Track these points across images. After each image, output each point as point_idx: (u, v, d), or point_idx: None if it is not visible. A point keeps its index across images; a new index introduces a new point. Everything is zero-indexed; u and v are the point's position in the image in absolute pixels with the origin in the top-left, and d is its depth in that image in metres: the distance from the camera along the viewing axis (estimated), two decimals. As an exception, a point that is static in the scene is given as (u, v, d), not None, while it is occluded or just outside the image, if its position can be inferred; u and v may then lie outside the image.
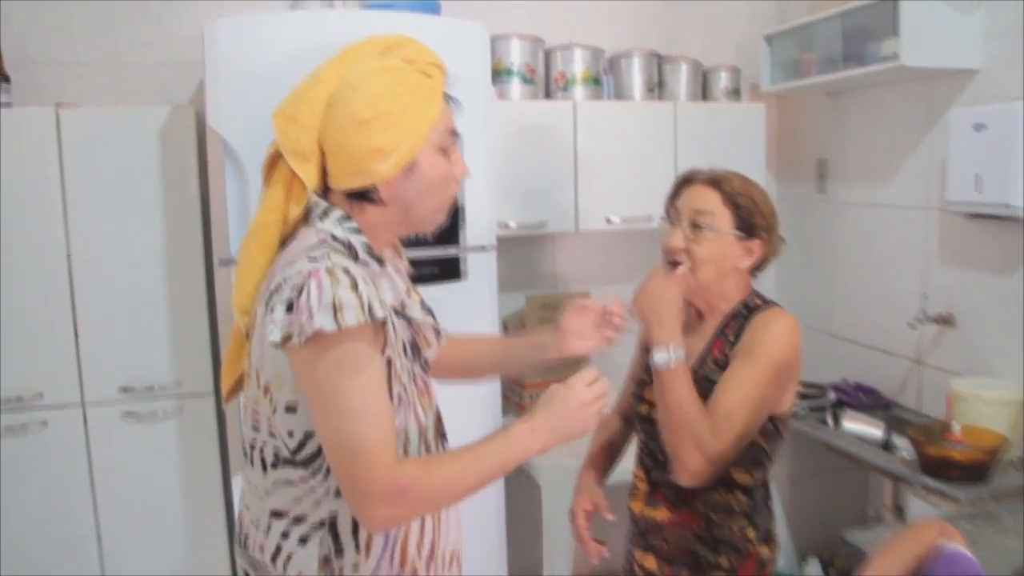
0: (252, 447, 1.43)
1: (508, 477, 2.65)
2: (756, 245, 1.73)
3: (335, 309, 1.21)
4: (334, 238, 1.36)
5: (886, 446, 2.67)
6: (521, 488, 2.90)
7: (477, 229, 2.47)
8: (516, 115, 2.89)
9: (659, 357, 1.64)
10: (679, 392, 1.62)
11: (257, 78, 2.15)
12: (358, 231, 1.38)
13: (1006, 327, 2.50)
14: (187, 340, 2.63)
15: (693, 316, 1.82)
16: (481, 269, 2.50)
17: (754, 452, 1.70)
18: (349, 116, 1.33)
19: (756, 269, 1.80)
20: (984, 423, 2.33)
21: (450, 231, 2.44)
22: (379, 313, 1.26)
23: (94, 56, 2.79)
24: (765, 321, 1.69)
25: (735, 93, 3.29)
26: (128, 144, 2.53)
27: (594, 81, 3.08)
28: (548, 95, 3.10)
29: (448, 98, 1.46)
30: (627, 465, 1.93)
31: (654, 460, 1.79)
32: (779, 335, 1.66)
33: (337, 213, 1.38)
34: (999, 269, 2.52)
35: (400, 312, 1.42)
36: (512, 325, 3.12)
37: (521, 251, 3.24)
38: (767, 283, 3.22)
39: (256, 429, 1.41)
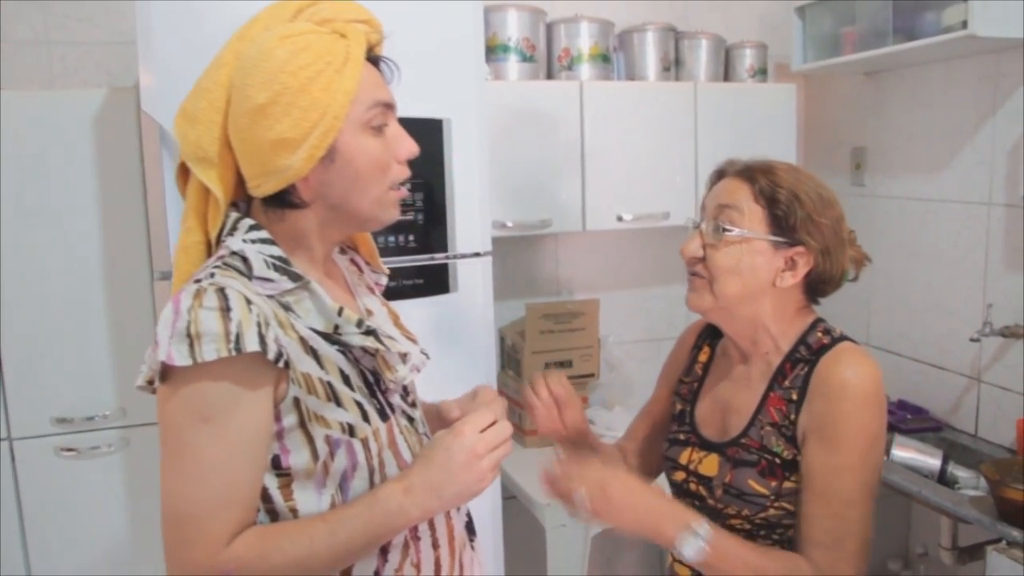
0: None
1: (508, 518, 2.37)
2: (800, 255, 1.33)
3: (191, 339, 0.99)
4: (232, 253, 1.12)
5: (942, 476, 2.33)
6: (523, 530, 2.60)
7: (469, 232, 2.12)
8: (513, 97, 2.57)
9: (689, 551, 1.25)
10: (744, 560, 1.27)
11: (200, 53, 1.75)
12: (268, 241, 1.14)
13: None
14: (132, 363, 2.20)
15: (734, 358, 1.45)
16: (474, 279, 2.15)
17: None
18: (245, 102, 1.09)
19: (816, 292, 1.41)
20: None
21: (436, 235, 2.09)
22: (250, 346, 1.01)
23: (22, 32, 2.41)
24: (835, 377, 1.30)
25: (761, 73, 2.96)
26: (57, 134, 2.16)
27: (603, 59, 2.76)
28: (550, 75, 2.78)
29: (377, 61, 1.20)
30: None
31: None
32: (860, 401, 1.28)
33: (245, 223, 1.15)
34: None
35: (331, 338, 1.14)
36: (510, 337, 2.78)
37: (520, 254, 2.93)
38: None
39: None
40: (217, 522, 1.03)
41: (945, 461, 2.34)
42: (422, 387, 1.40)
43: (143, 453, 2.31)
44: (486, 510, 2.13)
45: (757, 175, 1.35)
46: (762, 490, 1.32)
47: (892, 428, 2.52)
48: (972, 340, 2.38)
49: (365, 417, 1.15)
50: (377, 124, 1.14)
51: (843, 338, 1.37)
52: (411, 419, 1.26)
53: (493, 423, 1.17)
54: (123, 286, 2.25)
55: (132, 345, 2.27)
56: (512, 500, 2.52)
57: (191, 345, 0.99)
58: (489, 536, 2.22)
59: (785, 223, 1.32)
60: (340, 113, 1.09)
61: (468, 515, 1.38)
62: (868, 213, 2.91)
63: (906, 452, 2.38)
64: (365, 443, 1.14)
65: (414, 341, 1.32)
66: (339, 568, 1.13)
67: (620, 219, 2.68)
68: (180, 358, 0.99)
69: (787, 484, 1.31)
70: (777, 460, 1.32)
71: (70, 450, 2.24)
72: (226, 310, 1.01)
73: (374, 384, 1.18)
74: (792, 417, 1.32)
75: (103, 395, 2.26)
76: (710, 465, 1.39)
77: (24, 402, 2.20)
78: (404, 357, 1.21)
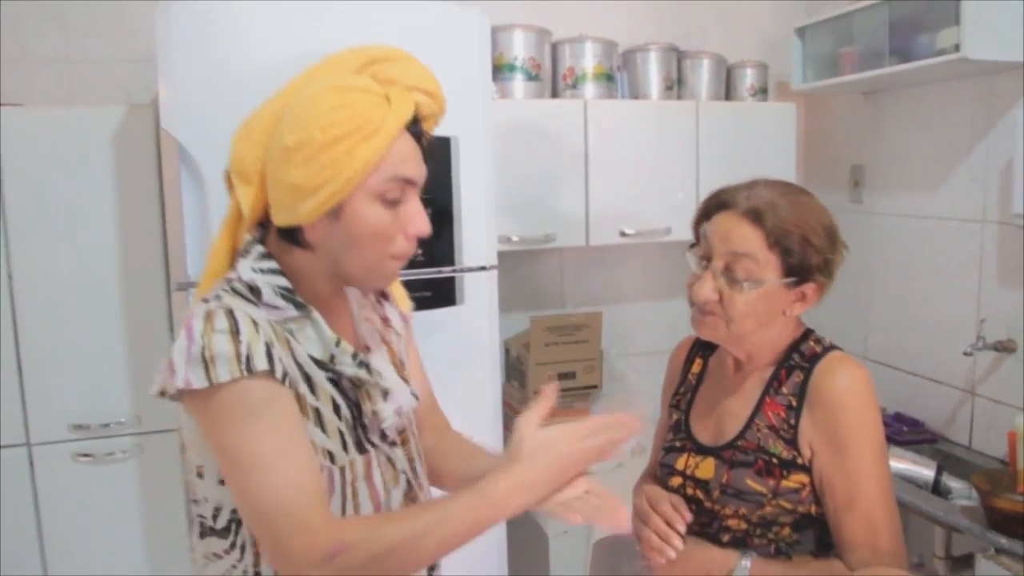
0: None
1: (512, 525, 2.41)
2: (811, 289, 1.40)
3: (206, 362, 1.04)
4: (239, 279, 1.17)
5: (936, 487, 2.38)
6: (526, 538, 2.62)
7: (475, 246, 2.17)
8: (519, 115, 2.61)
9: None
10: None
11: (219, 72, 1.87)
12: (276, 272, 1.18)
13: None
14: (148, 371, 2.27)
15: (729, 367, 1.51)
16: (480, 292, 2.20)
17: (823, 533, 1.42)
18: (279, 140, 1.12)
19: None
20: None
21: (443, 249, 2.14)
22: (259, 366, 1.07)
23: (41, 51, 2.48)
24: (833, 388, 1.38)
25: (762, 92, 3.01)
26: (77, 149, 2.22)
27: (606, 78, 2.81)
28: (555, 93, 2.82)
29: (418, 136, 1.20)
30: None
31: None
32: (861, 407, 1.37)
33: (257, 251, 1.19)
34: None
35: (327, 366, 1.19)
36: (515, 349, 2.83)
37: (525, 267, 2.97)
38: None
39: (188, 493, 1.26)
40: (306, 505, 1.06)
41: (939, 472, 2.38)
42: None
43: (157, 459, 2.35)
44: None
45: (765, 217, 1.35)
46: (760, 488, 1.39)
47: (887, 440, 2.55)
48: (966, 354, 2.42)
49: (345, 447, 1.19)
50: (391, 197, 1.15)
51: (832, 347, 1.45)
52: (390, 457, 1.27)
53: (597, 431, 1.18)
54: (140, 298, 2.30)
55: (148, 355, 2.31)
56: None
57: (207, 368, 1.04)
58: (493, 543, 2.26)
59: (799, 264, 1.37)
60: (354, 179, 1.10)
61: None
62: (866, 229, 2.96)
63: (901, 463, 2.43)
64: (343, 471, 1.18)
65: (407, 382, 1.34)
66: (440, 557, 1.15)
67: (623, 234, 2.72)
68: (197, 381, 1.04)
69: (784, 483, 1.38)
70: (775, 460, 1.39)
71: (86, 456, 2.29)
72: (235, 332, 1.06)
73: (358, 417, 1.22)
74: (792, 421, 1.39)
75: (119, 403, 2.31)
76: (707, 468, 1.45)
77: (42, 409, 2.25)
78: (386, 394, 1.24)
